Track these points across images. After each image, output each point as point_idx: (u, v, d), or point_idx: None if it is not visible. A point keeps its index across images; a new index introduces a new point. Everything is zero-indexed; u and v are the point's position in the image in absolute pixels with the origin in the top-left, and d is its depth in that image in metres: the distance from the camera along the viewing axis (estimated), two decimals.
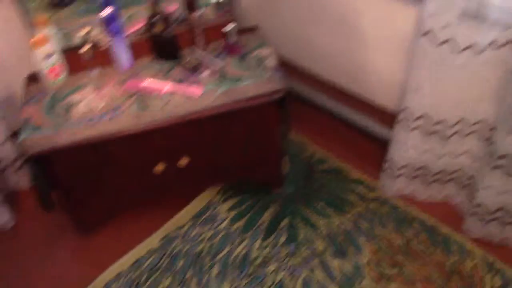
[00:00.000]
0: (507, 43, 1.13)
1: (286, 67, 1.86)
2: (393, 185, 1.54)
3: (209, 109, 1.32)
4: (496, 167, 1.26)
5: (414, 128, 1.36)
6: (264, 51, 1.48)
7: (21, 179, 1.67)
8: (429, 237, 1.47)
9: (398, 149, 1.43)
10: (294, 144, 1.77)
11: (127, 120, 1.30)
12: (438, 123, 1.32)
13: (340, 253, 1.45)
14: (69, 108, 1.35)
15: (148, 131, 1.31)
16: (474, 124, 1.31)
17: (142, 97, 1.36)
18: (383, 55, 1.54)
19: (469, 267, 1.40)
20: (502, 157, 1.23)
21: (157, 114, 1.30)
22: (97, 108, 1.35)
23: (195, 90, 1.36)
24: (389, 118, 1.62)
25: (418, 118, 1.33)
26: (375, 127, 1.66)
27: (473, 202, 1.38)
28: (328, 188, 1.63)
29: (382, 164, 1.55)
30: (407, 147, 1.41)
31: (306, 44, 1.77)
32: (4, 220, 1.57)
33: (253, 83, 1.36)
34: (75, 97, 1.39)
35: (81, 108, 1.35)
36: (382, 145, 1.62)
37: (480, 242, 1.45)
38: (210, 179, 1.55)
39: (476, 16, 1.12)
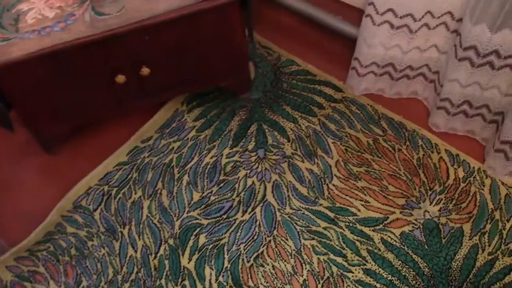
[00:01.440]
0: None
1: None
2: (361, 84, 1.52)
3: (170, 12, 1.25)
4: (462, 59, 1.24)
5: (381, 23, 1.31)
6: None
7: None
8: (396, 134, 1.49)
9: (365, 46, 1.40)
10: (260, 48, 1.71)
11: (81, 29, 1.22)
12: (405, 16, 1.28)
13: (309, 155, 1.46)
14: (17, 18, 1.26)
15: (103, 38, 1.23)
16: (441, 16, 1.27)
17: (95, 3, 1.26)
18: None
19: (435, 160, 1.43)
20: (468, 48, 1.21)
21: (113, 20, 1.22)
22: (47, 17, 1.26)
23: None
24: (356, 15, 1.58)
25: (385, 12, 1.28)
26: (342, 25, 1.60)
27: (439, 96, 1.38)
28: (296, 91, 1.60)
29: (350, 66, 1.52)
30: (374, 43, 1.37)
31: None
32: None
33: None
34: (22, 6, 1.29)
35: (30, 18, 1.26)
36: (350, 45, 1.58)
37: (445, 135, 1.47)
38: (174, 89, 1.49)
39: None
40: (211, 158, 1.47)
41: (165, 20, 1.24)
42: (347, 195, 1.38)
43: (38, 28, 1.23)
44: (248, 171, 1.43)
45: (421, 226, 1.32)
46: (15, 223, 1.38)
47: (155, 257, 1.30)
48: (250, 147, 1.48)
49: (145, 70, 1.35)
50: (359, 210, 1.35)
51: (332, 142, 1.48)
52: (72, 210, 1.39)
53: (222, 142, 1.50)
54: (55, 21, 1.24)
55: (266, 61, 1.68)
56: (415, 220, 1.33)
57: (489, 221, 1.33)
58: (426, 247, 1.29)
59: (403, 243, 1.29)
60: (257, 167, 1.44)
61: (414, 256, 1.27)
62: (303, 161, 1.45)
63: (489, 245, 1.29)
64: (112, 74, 1.33)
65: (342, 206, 1.36)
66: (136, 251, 1.32)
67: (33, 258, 1.32)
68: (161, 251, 1.31)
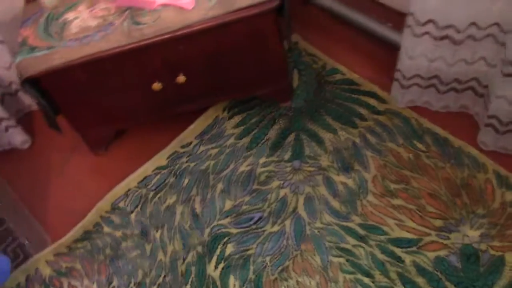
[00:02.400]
0: None
1: None
2: (405, 96, 1.45)
3: (202, 22, 1.26)
4: (508, 75, 1.15)
5: (422, 34, 1.24)
6: None
7: (34, 101, 1.71)
8: (441, 150, 1.40)
9: (406, 58, 1.33)
10: (305, 55, 1.69)
11: (119, 37, 1.27)
12: (447, 27, 1.20)
13: (345, 168, 1.42)
14: (63, 27, 1.33)
15: (139, 47, 1.27)
16: (488, 27, 1.18)
17: (134, 13, 1.31)
18: None
19: (481, 181, 1.34)
20: None
21: (148, 30, 1.26)
22: (90, 26, 1.31)
23: (187, 2, 1.29)
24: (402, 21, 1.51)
25: (426, 23, 1.21)
26: (390, 33, 1.54)
27: (487, 112, 1.29)
28: (338, 101, 1.56)
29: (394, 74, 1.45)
30: (416, 54, 1.30)
31: None
32: (20, 140, 1.62)
33: None
34: (69, 15, 1.36)
35: (74, 27, 1.32)
36: (396, 53, 1.51)
37: (495, 155, 1.37)
38: (211, 96, 1.51)
39: None
40: (247, 166, 1.47)
41: (197, 30, 1.26)
42: (381, 213, 1.33)
43: (80, 37, 1.29)
44: (282, 182, 1.42)
45: (458, 251, 1.24)
46: (60, 219, 1.47)
47: (183, 262, 1.33)
48: (286, 157, 1.47)
49: (181, 78, 1.38)
50: (392, 230, 1.30)
51: (371, 156, 1.43)
52: (110, 211, 1.45)
53: (258, 151, 1.49)
54: (96, 30, 1.29)
55: (311, 69, 1.65)
56: (452, 244, 1.25)
57: None
58: (461, 274, 1.21)
59: (437, 268, 1.22)
60: (291, 178, 1.42)
61: (447, 283, 1.20)
62: (338, 174, 1.41)
63: None
64: (149, 81, 1.37)
65: (374, 224, 1.31)
66: (165, 256, 1.35)
67: (72, 255, 1.40)
68: (189, 258, 1.33)
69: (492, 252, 1.23)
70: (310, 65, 1.66)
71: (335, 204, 1.36)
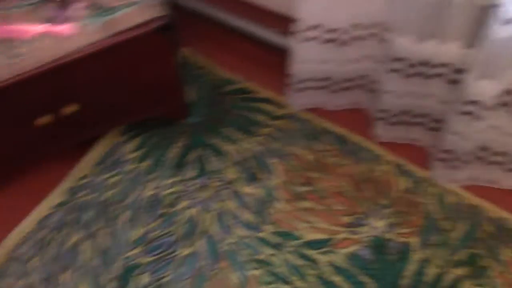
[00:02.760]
0: None
1: None
2: (301, 99, 1.47)
3: (84, 49, 1.19)
4: (393, 71, 1.20)
5: (311, 39, 1.26)
6: None
7: None
8: (340, 148, 1.44)
9: (299, 62, 1.35)
10: (196, 69, 1.66)
11: None
12: (334, 30, 1.23)
13: (251, 178, 1.41)
14: None
15: (21, 81, 1.18)
16: (370, 27, 1.22)
17: (9, 44, 1.21)
18: None
19: (380, 173, 1.39)
20: (397, 59, 1.17)
21: (27, 62, 1.16)
22: None
23: (65, 29, 1.21)
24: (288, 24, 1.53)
25: (313, 27, 1.23)
26: (277, 37, 1.55)
27: (378, 107, 1.34)
28: (236, 111, 1.55)
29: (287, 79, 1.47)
30: (307, 58, 1.32)
31: None
32: None
33: (131, 11, 1.22)
34: None
35: None
36: (288, 57, 1.53)
37: (389, 145, 1.43)
38: (109, 122, 1.44)
39: None
40: (151, 190, 1.41)
41: (79, 57, 1.19)
42: (291, 218, 1.33)
43: None
44: (190, 202, 1.38)
45: (369, 244, 1.28)
46: None
47: None
48: (191, 175, 1.43)
49: (71, 107, 1.30)
50: (304, 233, 1.31)
51: (275, 162, 1.43)
52: (6, 262, 1.33)
53: (162, 173, 1.44)
54: None
55: (205, 82, 1.62)
56: (362, 238, 1.29)
57: (436, 232, 1.29)
58: (375, 266, 1.25)
59: (351, 264, 1.25)
60: (199, 196, 1.39)
61: (363, 277, 1.23)
62: (246, 186, 1.40)
63: (437, 258, 1.25)
64: (36, 114, 1.27)
65: (286, 230, 1.31)
66: None
67: None
68: None
69: (399, 239, 1.28)
70: (204, 77, 1.63)
71: (246, 216, 1.34)
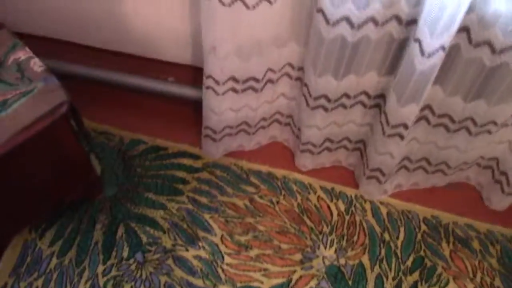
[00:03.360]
0: None
1: (54, 47, 1.54)
2: (218, 148, 1.42)
3: None
4: (315, 108, 1.22)
5: (225, 92, 1.23)
6: (21, 53, 1.16)
7: None
8: (269, 186, 1.43)
9: (213, 115, 1.30)
10: (97, 135, 1.52)
11: None
12: (247, 80, 1.21)
13: (191, 240, 1.34)
14: None
15: None
16: (282, 68, 1.23)
17: None
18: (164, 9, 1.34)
19: (314, 201, 1.41)
20: (318, 97, 1.19)
21: None
22: None
23: None
24: (189, 74, 1.48)
25: (227, 81, 1.20)
26: (174, 87, 1.48)
27: (300, 140, 1.35)
28: (152, 173, 1.45)
29: (201, 128, 1.41)
30: (222, 110, 1.28)
31: (66, 17, 1.46)
32: None
33: (24, 103, 1.07)
34: None
35: None
36: (193, 105, 1.47)
37: (315, 172, 1.46)
38: (19, 222, 1.26)
39: None
40: (86, 283, 1.27)
41: None
42: (244, 270, 1.30)
43: None
44: (133, 283, 1.27)
45: (325, 275, 1.30)
46: None
47: None
48: (125, 254, 1.31)
49: None
50: (261, 282, 1.28)
51: (210, 217, 1.37)
52: None
53: (92, 260, 1.30)
54: None
55: (110, 149, 1.49)
56: (317, 271, 1.30)
57: (382, 245, 1.35)
58: None
59: None
60: (141, 274, 1.28)
61: None
62: (187, 250, 1.32)
63: (390, 270, 1.32)
64: None
65: (243, 284, 1.27)
66: None
67: None
68: None
69: (351, 262, 1.32)
70: (107, 144, 1.50)
71: (197, 281, 1.27)
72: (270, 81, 1.24)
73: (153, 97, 1.53)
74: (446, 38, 0.94)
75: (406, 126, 1.15)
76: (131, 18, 1.39)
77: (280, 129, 1.44)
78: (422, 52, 0.97)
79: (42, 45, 1.55)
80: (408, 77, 1.04)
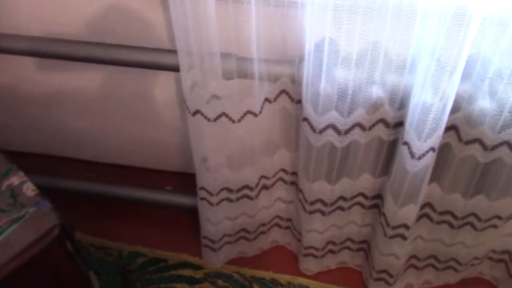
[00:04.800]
0: (279, 94, 1.05)
1: (47, 165, 1.57)
2: (218, 256, 1.38)
3: None
4: (312, 212, 1.19)
5: (219, 202, 1.21)
6: (14, 179, 1.17)
7: None
8: None
9: (210, 225, 1.28)
10: (95, 251, 1.49)
11: None
12: (241, 188, 1.20)
13: None
14: None
15: None
16: (276, 174, 1.22)
17: None
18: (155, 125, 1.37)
19: None
20: (314, 202, 1.16)
21: None
22: None
23: None
24: (187, 181, 1.47)
25: (220, 191, 1.19)
26: (173, 196, 1.47)
27: (302, 243, 1.31)
28: (152, 287, 1.40)
29: (200, 238, 1.38)
30: (218, 220, 1.26)
31: (60, 134, 1.50)
32: None
33: (16, 230, 1.05)
34: None
35: None
36: (190, 213, 1.45)
37: (321, 275, 1.40)
38: None
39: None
40: None
41: None
42: None
43: None
44: None
45: None
46: None
47: None
48: None
49: None
50: None
51: None
52: None
53: None
54: None
55: (108, 263, 1.45)
56: None
57: None
58: None
59: None
60: None
61: None
62: None
63: None
64: None
65: None
66: None
67: None
68: None
69: None
70: (106, 259, 1.46)
71: None
72: (265, 187, 1.23)
73: (151, 207, 1.52)
74: (435, 139, 0.93)
75: (407, 227, 1.11)
76: (123, 133, 1.42)
77: (281, 233, 1.40)
78: (412, 154, 0.95)
79: (39, 162, 1.58)
80: (401, 179, 1.01)
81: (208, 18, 0.91)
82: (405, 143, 0.96)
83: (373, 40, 0.90)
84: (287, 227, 1.38)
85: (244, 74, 1.00)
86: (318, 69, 0.95)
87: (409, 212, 1.08)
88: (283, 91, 1.04)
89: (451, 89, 0.88)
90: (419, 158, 0.95)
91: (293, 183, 1.23)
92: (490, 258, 1.31)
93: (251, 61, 0.98)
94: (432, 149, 0.94)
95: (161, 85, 1.28)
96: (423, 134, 0.92)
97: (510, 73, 0.88)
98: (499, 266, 1.32)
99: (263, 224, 1.35)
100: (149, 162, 1.55)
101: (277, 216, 1.35)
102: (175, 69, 1.00)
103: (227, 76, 1.00)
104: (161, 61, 1.07)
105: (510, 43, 0.85)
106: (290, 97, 1.04)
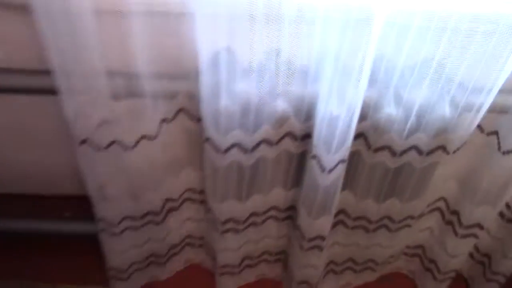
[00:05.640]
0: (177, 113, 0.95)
1: None
2: (129, 284, 1.27)
3: None
4: (224, 232, 1.12)
5: (123, 231, 1.10)
6: None
7: None
8: None
9: (116, 256, 1.16)
10: None
11: None
12: (146, 214, 1.10)
13: None
14: None
15: None
16: (182, 194, 1.13)
17: None
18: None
19: None
20: (225, 222, 1.09)
21: None
22: None
23: None
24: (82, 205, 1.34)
25: (122, 220, 1.08)
26: (75, 224, 1.33)
27: (217, 263, 1.24)
28: None
29: (106, 271, 1.26)
30: (125, 249, 1.15)
31: None
32: None
33: None
34: None
35: None
36: (94, 239, 1.32)
37: None
38: None
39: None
40: None
41: None
42: None
43: None
44: None
45: None
46: None
47: None
48: None
49: None
50: None
51: None
52: None
53: None
54: None
55: None
56: None
57: None
58: None
59: None
60: None
61: None
62: None
63: None
64: None
65: None
66: None
67: None
68: None
69: None
70: None
71: None
72: (172, 209, 1.13)
73: (50, 237, 1.37)
74: (344, 151, 0.89)
75: (323, 238, 1.07)
76: (8, 161, 1.26)
77: (194, 252, 1.32)
78: (322, 168, 0.91)
79: None
80: (313, 192, 0.97)
81: (87, 34, 0.79)
82: (314, 157, 0.91)
83: (274, 49, 0.83)
84: (200, 245, 1.30)
85: (134, 93, 0.89)
86: (216, 84, 0.87)
87: (324, 223, 1.04)
88: (181, 110, 0.95)
89: (357, 97, 0.84)
90: (330, 171, 0.90)
91: (203, 202, 1.15)
92: (406, 254, 1.31)
93: (141, 78, 0.88)
94: (342, 160, 0.90)
95: (40, 109, 1.14)
96: (332, 147, 0.87)
97: (414, 78, 0.86)
98: (414, 260, 1.33)
99: (174, 246, 1.25)
100: (41, 188, 1.39)
101: (189, 236, 1.26)
102: (51, 92, 0.87)
103: (115, 97, 0.89)
104: (34, 84, 0.93)
105: (413, 46, 0.82)
106: (189, 115, 0.95)
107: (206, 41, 0.82)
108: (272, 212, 1.12)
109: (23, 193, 1.39)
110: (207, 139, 0.92)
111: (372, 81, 0.87)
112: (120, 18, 0.80)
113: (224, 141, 0.90)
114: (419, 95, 0.87)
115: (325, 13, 0.77)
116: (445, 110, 0.88)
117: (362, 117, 0.90)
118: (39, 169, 1.30)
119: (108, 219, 1.06)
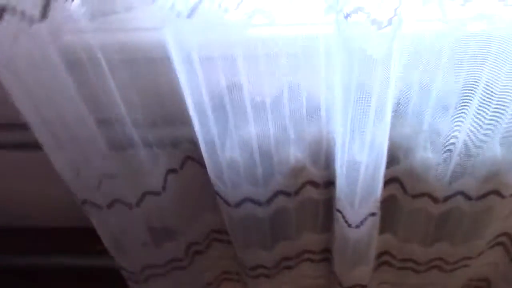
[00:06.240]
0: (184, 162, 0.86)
1: None
2: None
3: None
4: (254, 277, 1.02)
5: (146, 278, 1.03)
6: None
7: None
8: None
9: None
10: None
11: None
12: (170, 261, 1.02)
13: None
14: None
15: None
16: (208, 236, 1.04)
17: None
18: None
19: None
20: (254, 268, 0.99)
21: None
22: None
23: None
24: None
25: (143, 269, 1.01)
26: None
27: None
28: None
29: None
30: None
31: None
32: None
33: None
34: None
35: None
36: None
37: None
38: None
39: None
40: None
41: None
42: None
43: None
44: None
45: None
46: None
47: None
48: None
49: None
50: None
51: None
52: None
53: None
54: None
55: None
56: None
57: None
58: None
59: None
60: None
61: None
62: None
63: None
64: None
65: None
66: None
67: None
68: None
69: None
70: None
71: None
72: (198, 252, 1.05)
73: (82, 271, 1.34)
74: (372, 204, 0.75)
75: (363, 286, 0.95)
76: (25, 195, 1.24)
77: (232, 285, 1.24)
78: (347, 223, 0.78)
79: None
80: (344, 244, 0.84)
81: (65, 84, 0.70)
82: (338, 211, 0.78)
83: (287, 84, 0.71)
84: (238, 280, 1.22)
85: (131, 144, 0.80)
86: (221, 128, 0.76)
87: (361, 274, 0.91)
88: (188, 158, 0.85)
89: (381, 137, 0.69)
90: (357, 226, 0.78)
91: (230, 242, 1.06)
92: (468, 286, 1.16)
93: (137, 126, 0.78)
94: (372, 214, 0.77)
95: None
96: (356, 200, 0.74)
97: (453, 110, 0.70)
98: None
99: (210, 284, 1.18)
100: (62, 220, 1.36)
101: (225, 272, 1.18)
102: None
103: (112, 149, 0.80)
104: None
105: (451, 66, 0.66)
106: (198, 163, 0.86)
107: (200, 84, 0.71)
108: (306, 255, 1.01)
109: (54, 227, 1.37)
110: (216, 193, 0.82)
111: (401, 114, 0.72)
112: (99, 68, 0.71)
113: (234, 195, 0.80)
114: (461, 132, 0.72)
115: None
116: (496, 150, 0.72)
117: (393, 161, 0.76)
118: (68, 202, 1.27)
119: (128, 269, 1.00)
